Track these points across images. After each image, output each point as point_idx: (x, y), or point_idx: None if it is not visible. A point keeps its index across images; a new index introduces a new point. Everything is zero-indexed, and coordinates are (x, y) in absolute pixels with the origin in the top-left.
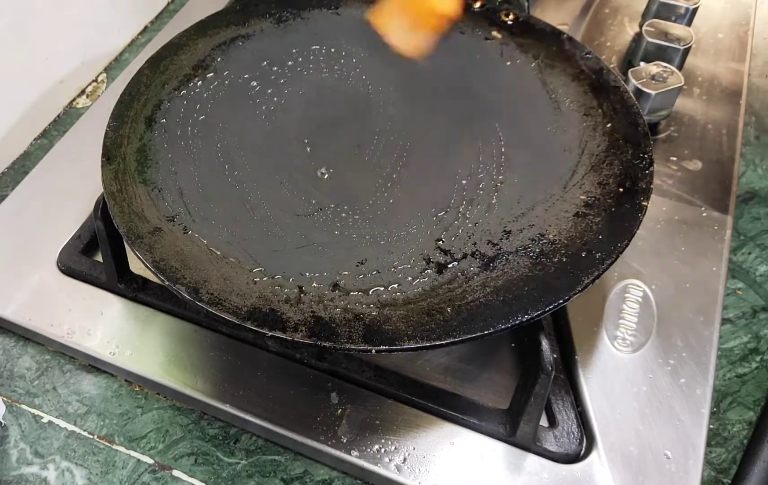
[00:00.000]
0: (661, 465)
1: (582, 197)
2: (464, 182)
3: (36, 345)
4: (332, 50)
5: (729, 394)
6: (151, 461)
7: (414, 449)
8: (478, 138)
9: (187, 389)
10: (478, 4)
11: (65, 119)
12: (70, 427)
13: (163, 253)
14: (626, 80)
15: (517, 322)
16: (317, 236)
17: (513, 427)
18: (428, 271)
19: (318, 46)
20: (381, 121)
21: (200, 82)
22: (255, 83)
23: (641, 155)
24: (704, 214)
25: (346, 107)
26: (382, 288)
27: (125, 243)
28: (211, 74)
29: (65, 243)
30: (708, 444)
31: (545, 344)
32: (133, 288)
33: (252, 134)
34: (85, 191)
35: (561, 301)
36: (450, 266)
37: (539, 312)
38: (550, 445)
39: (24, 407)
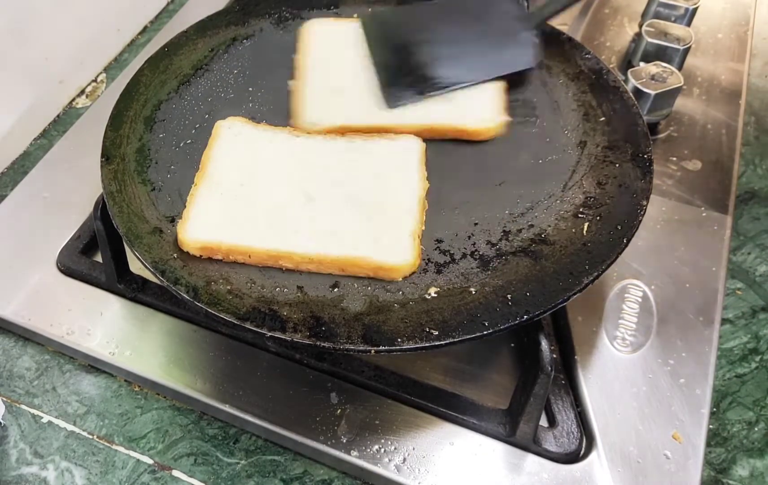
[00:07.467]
0: (661, 465)
1: (581, 197)
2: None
3: (36, 345)
4: None
5: (729, 394)
6: (150, 461)
7: (414, 449)
8: None
9: (187, 389)
10: None
11: (65, 119)
12: (70, 427)
13: (162, 253)
14: (626, 80)
15: (517, 322)
16: None
17: (513, 427)
18: (428, 271)
19: None
20: None
21: (200, 83)
22: (254, 83)
23: (641, 155)
24: (704, 214)
25: None
26: (381, 289)
27: (125, 243)
28: (211, 74)
29: (65, 243)
30: (708, 444)
31: (545, 345)
32: (133, 288)
33: None
34: (84, 191)
35: (561, 301)
36: (449, 266)
37: (539, 312)
38: (550, 445)
39: (24, 407)
